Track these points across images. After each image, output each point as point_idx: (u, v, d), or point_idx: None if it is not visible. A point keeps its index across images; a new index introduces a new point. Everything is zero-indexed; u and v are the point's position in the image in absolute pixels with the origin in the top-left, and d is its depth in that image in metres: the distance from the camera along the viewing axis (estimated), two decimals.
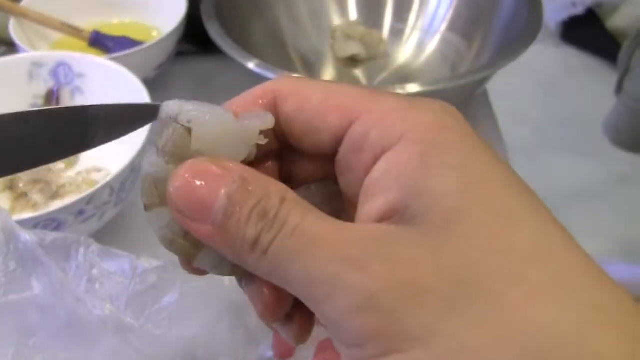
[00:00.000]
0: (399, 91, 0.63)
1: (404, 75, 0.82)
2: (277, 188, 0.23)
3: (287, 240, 0.22)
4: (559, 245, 0.22)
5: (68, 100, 0.71)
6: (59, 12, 0.82)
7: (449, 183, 0.22)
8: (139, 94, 0.66)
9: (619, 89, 1.39)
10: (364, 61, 0.83)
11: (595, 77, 2.23)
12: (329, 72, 0.83)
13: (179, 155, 0.26)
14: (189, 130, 0.25)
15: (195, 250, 0.26)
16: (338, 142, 0.26)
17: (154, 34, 0.84)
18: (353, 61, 0.83)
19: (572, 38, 2.33)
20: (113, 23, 0.86)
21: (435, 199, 0.22)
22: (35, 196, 0.65)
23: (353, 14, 0.86)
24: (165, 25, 0.80)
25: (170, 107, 0.26)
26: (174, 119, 0.26)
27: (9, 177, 0.67)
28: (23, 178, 0.67)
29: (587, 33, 2.31)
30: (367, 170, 0.24)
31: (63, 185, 0.67)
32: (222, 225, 0.23)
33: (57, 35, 0.83)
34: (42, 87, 0.72)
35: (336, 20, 0.86)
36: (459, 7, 0.81)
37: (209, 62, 0.82)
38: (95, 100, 0.71)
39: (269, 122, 0.27)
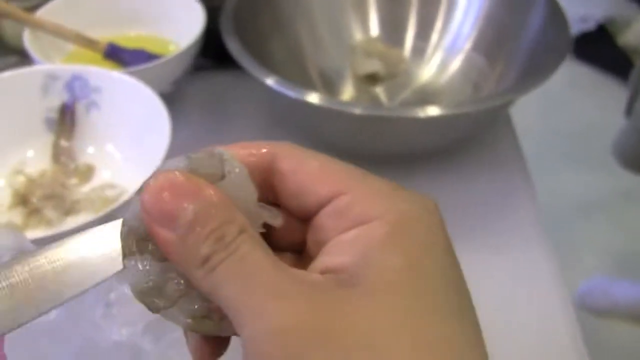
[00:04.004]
0: (421, 114, 0.62)
1: (425, 95, 0.80)
2: (240, 220, 0.26)
3: (233, 265, 0.25)
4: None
5: (83, 115, 0.70)
6: (74, 23, 0.80)
7: (396, 265, 0.25)
8: (156, 109, 0.64)
9: (629, 111, 1.38)
10: (384, 79, 0.82)
11: (605, 93, 2.23)
12: (348, 90, 0.82)
13: None
14: (221, 177, 0.27)
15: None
16: (320, 207, 0.28)
17: (171, 47, 0.82)
18: (373, 79, 0.81)
19: (582, 54, 2.32)
20: (129, 35, 0.84)
21: (378, 272, 0.25)
22: (49, 212, 0.64)
23: (374, 30, 0.85)
24: (182, 39, 0.78)
25: (228, 150, 0.28)
26: (220, 159, 0.27)
27: (22, 192, 0.66)
28: (36, 193, 0.65)
29: (598, 49, 2.30)
30: (339, 234, 0.27)
31: (77, 201, 0.65)
32: (182, 237, 0.25)
33: (71, 47, 0.81)
34: (56, 100, 0.70)
35: (357, 35, 0.84)
36: (483, 27, 0.79)
37: (226, 77, 0.81)
38: (111, 114, 0.69)
39: (277, 220, 0.29)
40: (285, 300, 0.24)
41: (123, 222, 0.27)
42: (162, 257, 0.27)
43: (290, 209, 0.30)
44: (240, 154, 0.29)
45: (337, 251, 0.27)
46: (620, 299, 1.64)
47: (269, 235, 0.30)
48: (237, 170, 0.27)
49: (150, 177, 0.27)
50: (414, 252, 0.26)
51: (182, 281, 0.27)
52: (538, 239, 0.67)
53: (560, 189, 1.94)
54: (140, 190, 0.27)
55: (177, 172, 0.26)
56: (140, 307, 0.52)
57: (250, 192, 0.28)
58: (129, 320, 0.49)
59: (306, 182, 0.29)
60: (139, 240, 0.27)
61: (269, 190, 0.30)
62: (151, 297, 0.27)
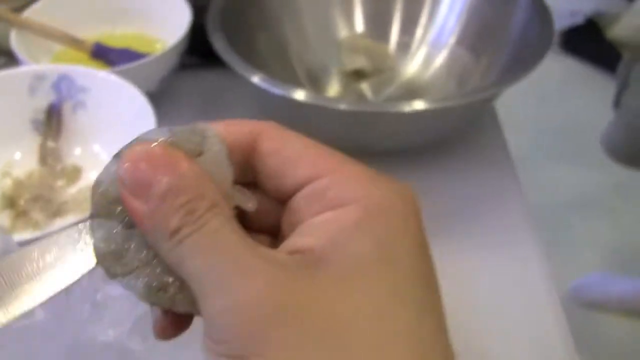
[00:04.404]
0: (406, 109, 0.62)
1: (411, 89, 0.81)
2: (212, 195, 0.26)
3: (200, 239, 0.25)
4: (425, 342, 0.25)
5: (70, 115, 0.70)
6: (61, 22, 0.80)
7: (365, 250, 0.26)
8: (142, 108, 0.64)
9: (617, 103, 1.39)
10: (370, 75, 0.82)
11: (594, 87, 2.23)
12: (334, 86, 0.82)
13: None
14: (199, 153, 0.28)
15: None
16: (297, 189, 0.29)
17: (158, 45, 0.82)
18: (359, 75, 0.82)
19: (571, 48, 2.33)
20: (115, 34, 0.84)
21: (347, 255, 0.26)
22: (36, 214, 0.64)
23: (359, 26, 0.85)
24: (169, 37, 0.78)
25: (211, 127, 0.29)
26: (202, 136, 0.28)
27: (9, 195, 0.66)
28: (24, 195, 0.65)
29: (587, 43, 2.30)
30: (312, 217, 0.28)
31: (65, 203, 0.65)
32: (154, 208, 0.26)
33: (58, 47, 0.81)
34: (43, 101, 0.70)
35: (343, 32, 0.84)
36: (468, 21, 0.80)
37: (213, 75, 0.81)
38: (98, 114, 0.69)
39: (250, 204, 0.29)
40: (246, 276, 0.24)
41: (96, 182, 0.28)
42: (128, 224, 0.27)
43: (268, 190, 0.30)
44: (224, 130, 0.29)
45: (307, 233, 0.27)
46: (614, 293, 1.64)
47: (245, 216, 0.30)
48: (215, 148, 0.28)
49: (130, 145, 0.27)
50: (384, 239, 0.26)
51: (144, 251, 0.27)
52: (526, 234, 0.67)
53: (551, 184, 1.95)
54: (117, 155, 0.27)
55: (155, 144, 0.27)
56: (127, 308, 0.52)
57: (226, 173, 0.28)
58: (116, 320, 0.49)
59: (286, 163, 0.29)
60: (109, 204, 0.27)
61: (249, 169, 0.30)
62: (110, 262, 0.27)
